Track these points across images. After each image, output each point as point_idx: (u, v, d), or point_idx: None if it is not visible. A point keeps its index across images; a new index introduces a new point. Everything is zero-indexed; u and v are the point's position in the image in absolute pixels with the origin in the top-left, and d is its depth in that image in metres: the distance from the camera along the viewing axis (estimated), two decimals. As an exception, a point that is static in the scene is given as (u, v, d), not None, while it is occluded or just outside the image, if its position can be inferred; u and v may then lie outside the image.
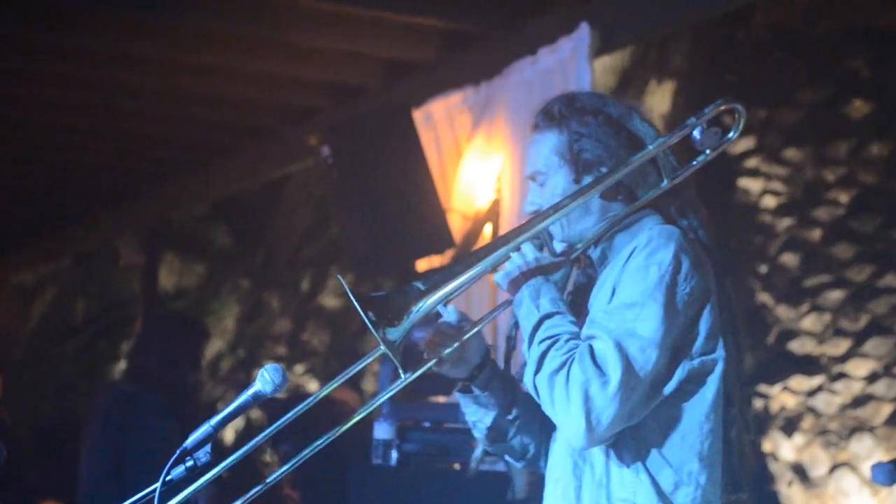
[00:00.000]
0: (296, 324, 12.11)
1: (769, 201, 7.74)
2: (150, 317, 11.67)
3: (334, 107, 8.92)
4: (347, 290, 2.81)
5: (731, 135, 3.13)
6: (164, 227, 12.67)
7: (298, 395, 9.15)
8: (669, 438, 2.91)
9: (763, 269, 7.74)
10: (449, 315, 3.08)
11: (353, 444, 6.20)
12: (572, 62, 6.70)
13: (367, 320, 2.80)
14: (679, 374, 2.87)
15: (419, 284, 2.90)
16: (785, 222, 7.68)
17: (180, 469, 2.89)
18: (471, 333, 3.06)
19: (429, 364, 3.04)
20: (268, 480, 2.92)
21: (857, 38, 7.51)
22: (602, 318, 2.87)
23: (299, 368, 11.65)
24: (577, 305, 3.06)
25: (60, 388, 14.39)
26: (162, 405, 5.93)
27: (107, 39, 7.91)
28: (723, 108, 3.12)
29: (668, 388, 2.87)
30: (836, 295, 7.44)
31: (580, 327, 2.92)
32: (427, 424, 6.27)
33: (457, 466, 6.20)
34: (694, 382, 2.91)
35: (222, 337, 12.58)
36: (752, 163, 7.81)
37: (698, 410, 2.92)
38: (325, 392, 3.04)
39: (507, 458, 3.33)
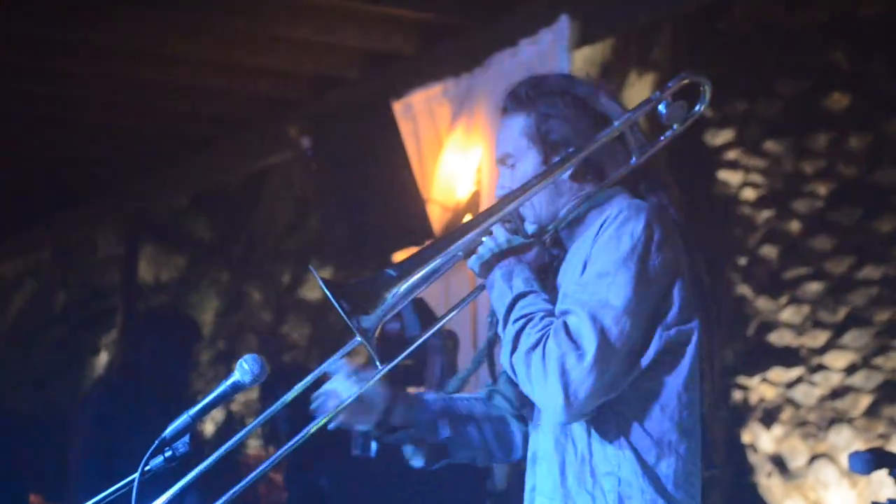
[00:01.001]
0: (276, 316, 12.10)
1: (748, 193, 7.74)
2: (144, 313, 11.62)
3: (314, 98, 8.90)
4: (319, 279, 2.81)
5: (697, 108, 3.12)
6: (144, 219, 12.64)
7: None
8: (649, 411, 2.91)
9: (742, 261, 7.75)
10: (339, 371, 3.12)
11: (332, 435, 6.18)
12: (552, 54, 6.70)
13: (340, 309, 2.79)
14: (656, 344, 2.87)
15: (391, 271, 2.89)
16: (764, 214, 7.69)
17: (159, 459, 2.89)
18: (381, 372, 3.04)
19: (401, 356, 3.04)
20: (259, 468, 2.92)
21: (837, 30, 7.51)
22: (575, 290, 2.88)
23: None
24: (546, 285, 3.04)
25: (41, 379, 14.35)
26: (153, 400, 5.90)
27: (86, 32, 7.88)
28: (686, 81, 3.10)
29: (646, 360, 2.87)
30: (815, 287, 7.46)
31: (553, 304, 2.92)
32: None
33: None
34: (671, 353, 2.91)
35: (202, 329, 12.55)
36: (731, 155, 7.82)
37: (676, 381, 2.92)
38: (315, 375, 3.04)
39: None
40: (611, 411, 2.90)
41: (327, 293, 2.79)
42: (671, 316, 2.89)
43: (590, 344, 2.78)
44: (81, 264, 14.89)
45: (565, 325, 2.81)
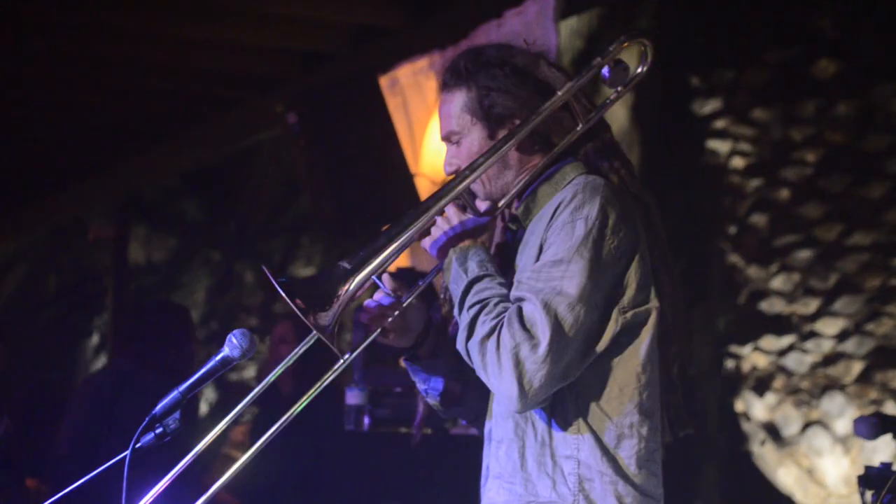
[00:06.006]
0: (268, 294, 12.09)
1: (737, 162, 7.74)
2: (134, 305, 11.59)
3: (300, 74, 8.87)
4: (272, 279, 2.79)
5: (640, 69, 3.10)
6: (134, 199, 12.61)
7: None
8: (608, 393, 2.89)
9: (732, 230, 7.75)
10: (387, 285, 3.06)
11: (324, 411, 6.19)
12: (538, 24, 6.69)
13: (296, 308, 2.78)
14: (612, 328, 2.85)
15: (345, 264, 2.87)
16: (753, 183, 7.68)
17: (149, 436, 2.88)
18: (408, 300, 3.03)
19: (372, 336, 3.03)
20: (250, 452, 2.90)
21: (824, -2, 7.51)
22: (530, 277, 2.85)
23: (272, 339, 11.63)
24: (503, 263, 3.03)
25: (33, 363, 14.34)
26: (159, 384, 5.84)
27: (73, 11, 7.85)
28: (626, 44, 3.09)
29: (602, 344, 2.85)
30: (805, 254, 7.46)
31: (509, 285, 2.91)
32: (398, 389, 6.27)
33: (428, 431, 6.20)
34: (627, 335, 2.89)
35: (195, 309, 12.55)
36: (719, 124, 7.81)
37: (633, 362, 2.90)
38: (298, 352, 3.04)
39: (462, 422, 3.34)
40: (570, 394, 2.88)
41: (282, 293, 2.78)
42: (627, 298, 2.87)
43: (543, 333, 2.76)
44: (73, 246, 14.87)
45: (519, 314, 2.79)
